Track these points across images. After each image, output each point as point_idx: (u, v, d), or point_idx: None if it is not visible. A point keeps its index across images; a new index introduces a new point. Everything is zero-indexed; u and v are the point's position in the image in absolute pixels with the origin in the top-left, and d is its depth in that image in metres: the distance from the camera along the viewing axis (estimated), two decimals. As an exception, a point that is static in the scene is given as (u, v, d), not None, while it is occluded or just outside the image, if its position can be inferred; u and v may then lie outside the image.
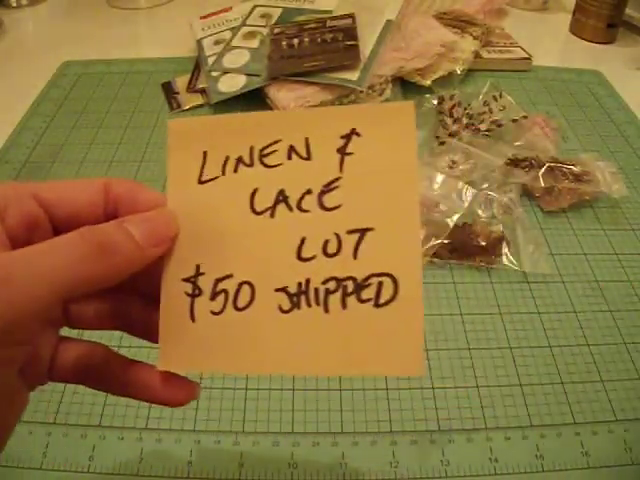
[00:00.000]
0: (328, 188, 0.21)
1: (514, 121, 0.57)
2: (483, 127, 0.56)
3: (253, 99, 0.62)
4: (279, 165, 0.22)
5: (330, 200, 0.21)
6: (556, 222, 0.50)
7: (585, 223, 0.50)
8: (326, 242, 0.21)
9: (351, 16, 0.66)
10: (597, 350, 0.40)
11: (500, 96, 0.59)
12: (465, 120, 0.57)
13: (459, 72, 0.66)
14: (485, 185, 0.50)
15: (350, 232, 0.21)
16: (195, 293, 0.22)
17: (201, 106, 0.64)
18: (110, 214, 0.22)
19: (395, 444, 0.35)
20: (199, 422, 0.36)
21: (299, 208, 0.21)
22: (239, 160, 0.22)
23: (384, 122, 0.21)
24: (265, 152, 0.22)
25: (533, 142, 0.55)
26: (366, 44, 0.64)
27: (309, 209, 0.21)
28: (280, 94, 0.60)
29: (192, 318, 0.21)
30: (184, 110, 0.63)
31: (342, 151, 0.21)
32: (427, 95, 0.62)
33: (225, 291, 0.21)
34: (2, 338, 0.17)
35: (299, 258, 0.21)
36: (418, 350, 0.20)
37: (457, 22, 0.72)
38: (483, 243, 0.46)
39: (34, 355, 0.22)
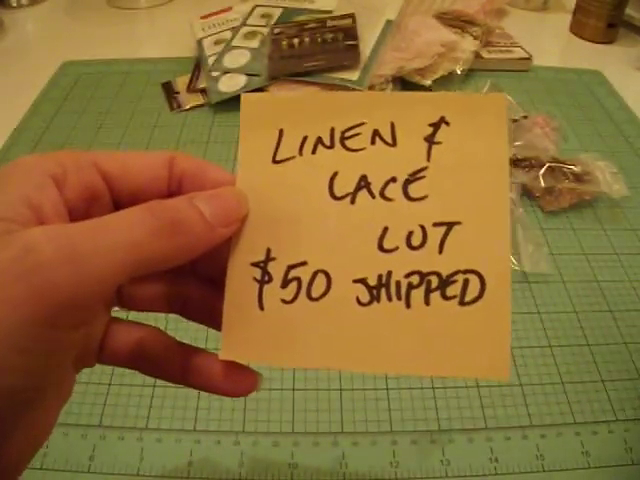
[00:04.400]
0: (414, 177, 0.20)
1: (514, 121, 0.57)
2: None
3: (253, 99, 0.62)
4: (362, 149, 0.21)
5: (416, 190, 0.20)
6: (556, 222, 0.50)
7: (585, 223, 0.50)
8: (410, 233, 0.20)
9: (351, 16, 0.67)
10: (597, 350, 0.40)
11: (500, 96, 0.59)
12: (465, 120, 0.57)
13: (459, 72, 0.66)
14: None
15: (436, 225, 0.20)
16: (265, 279, 0.20)
17: (201, 106, 0.63)
18: (174, 191, 0.21)
19: (395, 444, 0.35)
20: (199, 422, 0.36)
21: (382, 196, 0.20)
22: (318, 141, 0.21)
23: (474, 112, 0.20)
24: (347, 134, 0.21)
25: (533, 142, 0.55)
26: (366, 44, 0.64)
27: (393, 198, 0.20)
28: (280, 94, 0.60)
29: (260, 306, 0.20)
30: (184, 110, 0.63)
31: (430, 139, 0.20)
32: (427, 95, 0.62)
33: (298, 279, 0.20)
34: (65, 320, 0.16)
35: (380, 249, 0.20)
36: (504, 353, 0.19)
37: (457, 22, 0.72)
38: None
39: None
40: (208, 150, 0.57)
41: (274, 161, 0.21)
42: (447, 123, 0.20)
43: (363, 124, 0.21)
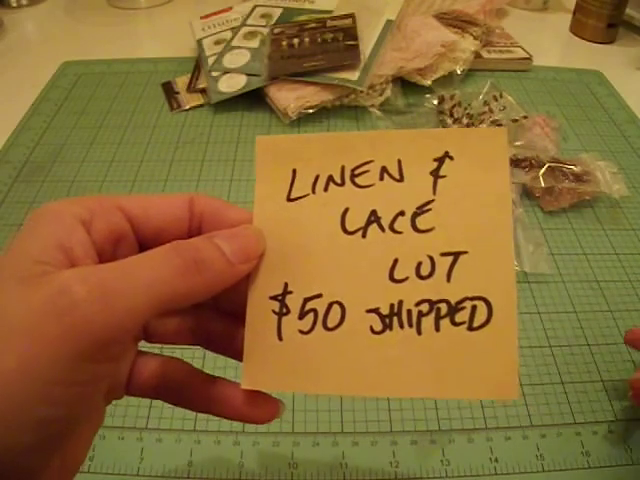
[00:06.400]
0: (421, 210, 0.21)
1: (514, 121, 0.57)
2: (483, 127, 0.56)
3: (253, 99, 0.62)
4: (371, 185, 0.22)
5: (423, 222, 0.21)
6: (556, 222, 0.50)
7: (585, 223, 0.50)
8: (419, 264, 0.21)
9: (351, 16, 0.67)
10: (597, 350, 0.40)
11: (500, 96, 0.59)
12: (465, 120, 0.57)
13: (459, 72, 0.66)
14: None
15: (444, 255, 0.21)
16: (283, 312, 0.21)
17: (201, 106, 0.64)
18: (194, 230, 0.22)
19: (395, 444, 0.35)
20: (199, 422, 0.36)
21: (392, 229, 0.21)
22: (330, 179, 0.22)
23: (477, 146, 0.21)
24: (356, 172, 0.22)
25: (533, 142, 0.55)
26: (366, 44, 0.64)
27: (402, 230, 0.21)
28: (280, 94, 0.60)
29: (279, 337, 0.21)
30: (184, 110, 0.63)
31: (435, 174, 0.21)
32: (427, 95, 0.62)
33: (314, 310, 0.21)
34: (98, 354, 0.17)
35: (391, 279, 0.21)
36: (512, 374, 0.20)
37: (457, 22, 0.72)
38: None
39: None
40: (208, 150, 0.57)
41: (288, 199, 0.22)
42: (451, 157, 0.21)
43: (371, 162, 0.22)
